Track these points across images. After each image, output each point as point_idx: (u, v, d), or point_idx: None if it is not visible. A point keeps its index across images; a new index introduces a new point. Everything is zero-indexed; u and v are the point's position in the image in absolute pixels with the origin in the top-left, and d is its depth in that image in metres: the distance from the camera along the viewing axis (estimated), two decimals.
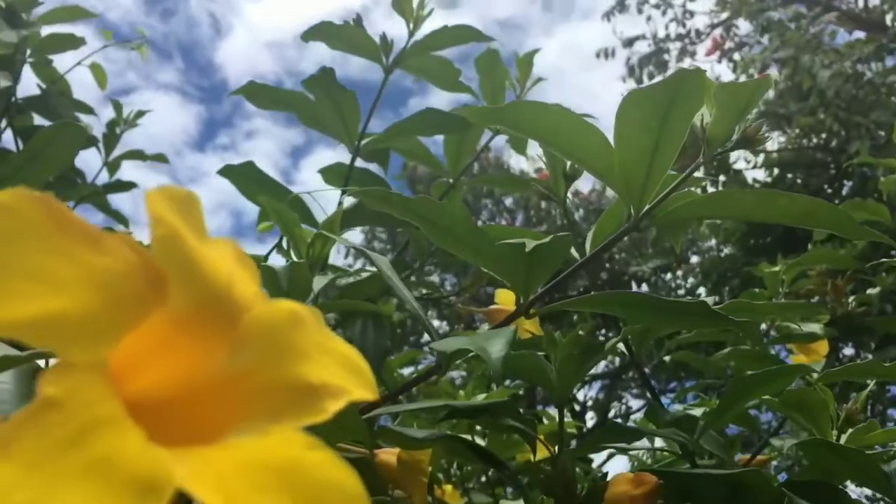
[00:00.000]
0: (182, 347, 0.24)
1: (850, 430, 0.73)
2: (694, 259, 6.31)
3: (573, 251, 0.70)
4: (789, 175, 6.02)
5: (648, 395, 0.84)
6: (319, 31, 0.93)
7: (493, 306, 0.93)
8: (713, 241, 6.10)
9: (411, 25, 0.98)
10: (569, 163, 0.76)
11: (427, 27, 1.01)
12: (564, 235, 0.59)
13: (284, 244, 0.74)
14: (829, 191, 5.66)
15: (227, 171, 0.98)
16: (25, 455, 0.17)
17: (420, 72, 1.02)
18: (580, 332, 0.66)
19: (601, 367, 5.99)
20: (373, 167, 1.11)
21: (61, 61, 1.48)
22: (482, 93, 1.11)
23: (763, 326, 1.23)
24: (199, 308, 0.24)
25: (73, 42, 1.42)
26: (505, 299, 0.91)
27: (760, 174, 6.23)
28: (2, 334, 0.19)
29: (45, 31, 1.43)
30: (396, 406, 0.69)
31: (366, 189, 0.66)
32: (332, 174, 1.07)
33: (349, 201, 0.99)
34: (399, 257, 1.21)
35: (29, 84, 1.45)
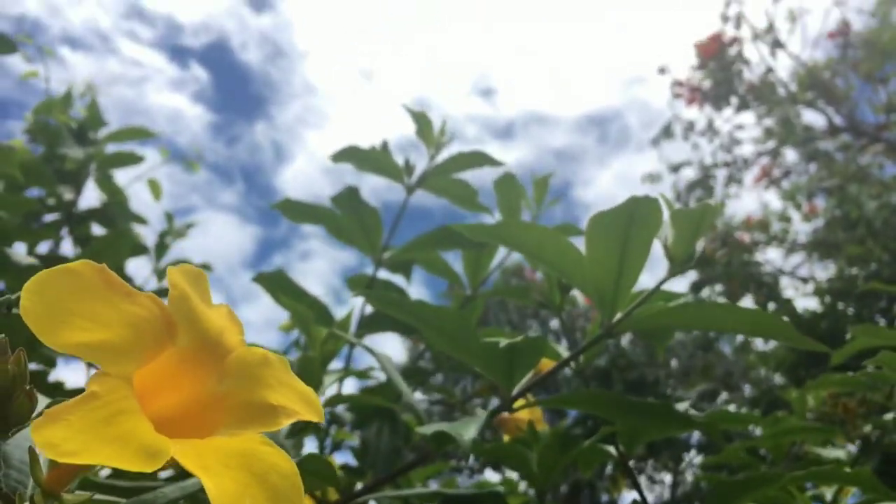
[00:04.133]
0: (185, 375, 0.35)
1: None
2: (747, 389, 6.22)
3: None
4: (840, 304, 5.96)
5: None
6: (348, 154, 1.05)
7: (504, 414, 1.00)
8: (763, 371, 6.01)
9: (432, 150, 1.09)
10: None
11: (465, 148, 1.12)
12: (537, 337, 0.67)
13: (302, 341, 0.83)
14: (883, 321, 5.57)
15: (260, 279, 1.08)
16: (73, 424, 0.27)
17: (440, 192, 1.13)
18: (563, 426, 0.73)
19: None
20: (398, 279, 1.21)
21: (122, 176, 1.64)
22: (500, 212, 1.21)
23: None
24: (198, 347, 0.35)
25: (134, 159, 1.59)
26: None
27: (813, 303, 6.17)
28: (67, 351, 0.29)
29: (111, 148, 1.61)
30: (389, 491, 0.76)
31: (370, 291, 0.75)
32: (356, 284, 1.17)
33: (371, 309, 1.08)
34: (416, 365, 1.29)
35: (90, 194, 1.60)
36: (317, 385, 0.77)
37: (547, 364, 0.85)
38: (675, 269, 0.70)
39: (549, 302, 0.87)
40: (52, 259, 1.33)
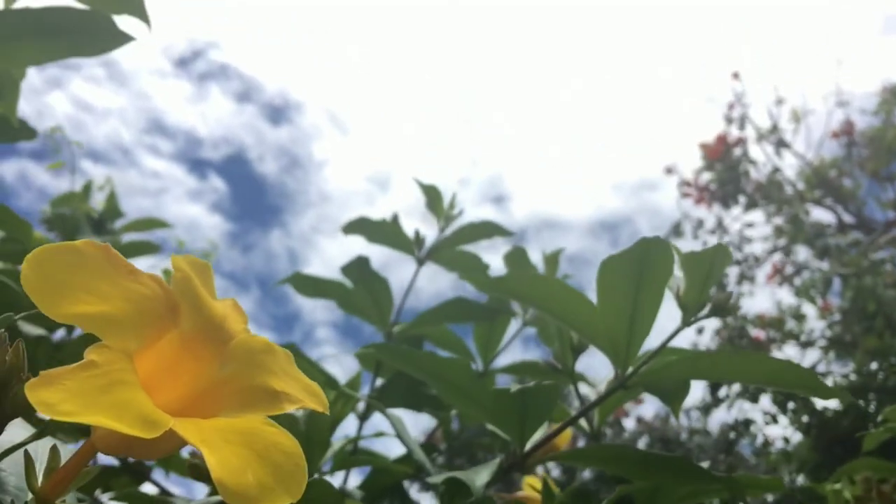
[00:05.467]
0: (188, 359, 0.35)
1: None
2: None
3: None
4: (861, 401, 5.83)
5: None
6: (359, 226, 1.06)
7: (520, 493, 0.97)
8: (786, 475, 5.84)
9: (442, 223, 1.10)
10: (575, 337, 0.83)
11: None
12: (549, 384, 0.65)
13: None
14: None
15: None
16: (70, 388, 0.26)
17: (450, 265, 1.13)
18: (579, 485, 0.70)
19: None
20: None
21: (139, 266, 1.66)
22: None
23: None
24: (201, 331, 0.35)
25: (151, 248, 1.60)
26: (531, 486, 0.95)
27: (833, 401, 6.05)
28: (68, 321, 0.29)
29: (127, 238, 1.63)
30: None
31: (379, 344, 0.74)
32: (367, 358, 1.16)
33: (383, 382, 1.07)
34: (429, 442, 1.26)
35: None
36: (324, 448, 0.75)
37: (566, 437, 0.83)
38: (689, 318, 0.69)
39: (562, 364, 0.86)
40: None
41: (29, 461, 0.33)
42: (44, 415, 0.26)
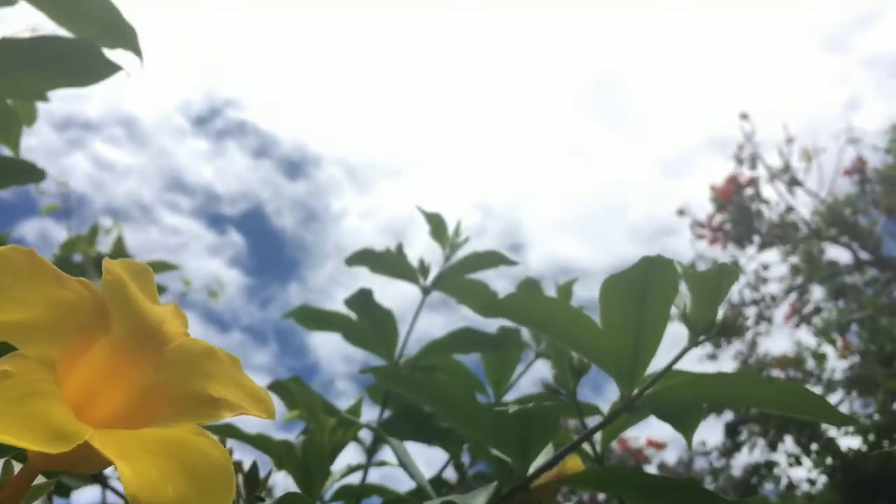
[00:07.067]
0: (120, 367, 0.33)
1: None
2: None
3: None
4: (885, 441, 5.72)
5: None
6: (362, 257, 1.05)
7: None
8: None
9: (447, 251, 1.09)
10: (576, 357, 0.81)
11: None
12: (550, 405, 0.64)
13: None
14: None
15: (274, 386, 1.06)
16: None
17: (457, 295, 1.11)
18: None
19: None
20: None
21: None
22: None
23: None
24: (133, 337, 0.33)
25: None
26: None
27: (856, 441, 5.94)
28: None
29: None
30: None
31: (378, 367, 0.73)
32: (374, 392, 1.14)
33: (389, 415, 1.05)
34: (439, 477, 1.23)
35: None
36: (323, 477, 0.73)
37: (576, 463, 0.81)
38: (696, 338, 0.67)
39: (562, 386, 0.84)
40: None
41: None
42: None
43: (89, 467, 0.30)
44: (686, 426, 0.77)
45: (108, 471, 1.00)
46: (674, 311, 0.69)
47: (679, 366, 0.68)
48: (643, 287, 0.63)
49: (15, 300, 0.28)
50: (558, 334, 0.69)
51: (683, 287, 0.67)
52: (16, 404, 0.26)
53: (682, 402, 0.70)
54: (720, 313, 0.68)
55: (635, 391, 0.67)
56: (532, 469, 0.67)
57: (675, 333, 0.70)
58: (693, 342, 0.68)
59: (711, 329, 0.68)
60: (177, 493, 0.26)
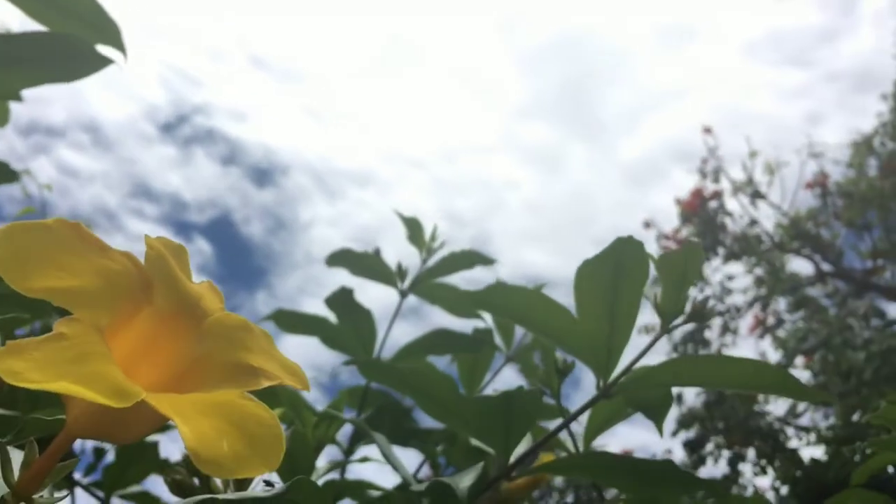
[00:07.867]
0: (163, 337, 0.35)
1: None
2: None
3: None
4: (846, 451, 5.81)
5: None
6: (341, 258, 1.06)
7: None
8: None
9: (424, 255, 1.11)
10: (561, 358, 0.83)
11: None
12: (532, 390, 0.66)
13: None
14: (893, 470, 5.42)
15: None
16: (37, 360, 0.26)
17: (432, 299, 1.13)
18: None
19: None
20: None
21: None
22: (494, 323, 1.20)
23: None
24: (175, 309, 0.35)
25: None
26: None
27: (818, 451, 6.03)
28: (38, 295, 0.29)
29: None
30: None
31: (359, 359, 0.74)
32: (352, 396, 1.15)
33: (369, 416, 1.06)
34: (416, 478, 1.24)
35: None
36: (309, 472, 0.74)
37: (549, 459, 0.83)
38: (667, 325, 0.70)
39: (547, 386, 0.86)
40: None
41: (5, 455, 0.32)
42: (11, 382, 0.25)
43: (130, 433, 0.32)
44: (657, 414, 0.80)
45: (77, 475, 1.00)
46: (644, 301, 0.71)
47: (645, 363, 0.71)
48: (616, 268, 0.66)
49: (63, 268, 0.30)
50: (536, 324, 0.71)
51: (653, 271, 0.69)
52: (74, 362, 0.27)
53: (655, 389, 0.73)
54: (688, 304, 0.71)
55: (611, 377, 0.70)
56: (513, 458, 0.69)
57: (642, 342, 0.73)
58: (665, 329, 0.71)
59: (681, 314, 0.70)
60: (231, 449, 0.28)
